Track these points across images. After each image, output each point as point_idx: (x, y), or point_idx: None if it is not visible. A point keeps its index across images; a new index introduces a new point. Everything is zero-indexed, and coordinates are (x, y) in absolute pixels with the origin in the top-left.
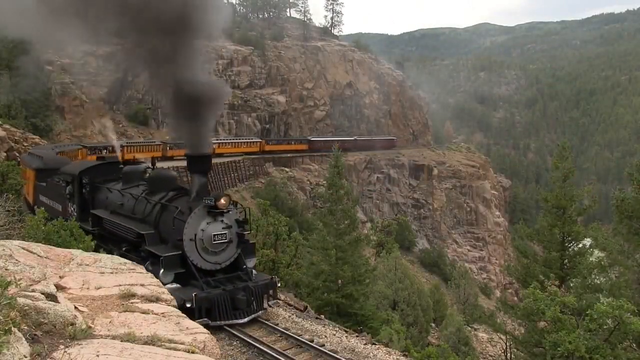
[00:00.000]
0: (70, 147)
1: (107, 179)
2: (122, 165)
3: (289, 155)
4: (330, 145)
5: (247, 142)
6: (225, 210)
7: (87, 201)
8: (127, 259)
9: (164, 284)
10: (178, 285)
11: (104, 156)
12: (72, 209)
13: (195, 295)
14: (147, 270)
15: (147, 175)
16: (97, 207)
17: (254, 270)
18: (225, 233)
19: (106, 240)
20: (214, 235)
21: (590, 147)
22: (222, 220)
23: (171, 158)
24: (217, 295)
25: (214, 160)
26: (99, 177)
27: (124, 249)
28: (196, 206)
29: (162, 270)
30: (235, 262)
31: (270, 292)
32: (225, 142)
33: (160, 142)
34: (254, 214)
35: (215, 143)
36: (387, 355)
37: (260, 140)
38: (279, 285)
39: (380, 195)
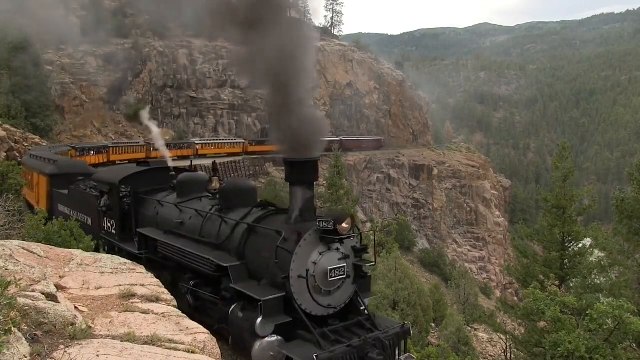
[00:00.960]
0: (59, 148)
1: (155, 189)
2: (172, 172)
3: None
4: None
5: (231, 142)
6: (345, 236)
7: (128, 216)
8: (196, 296)
9: (261, 337)
10: (280, 338)
11: (147, 160)
12: (108, 225)
13: (316, 357)
14: (234, 316)
15: (213, 185)
16: (143, 224)
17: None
18: (343, 266)
19: (160, 267)
20: (330, 269)
21: (590, 147)
22: (337, 249)
23: (154, 159)
24: (344, 356)
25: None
26: (144, 187)
27: (192, 283)
28: (305, 230)
29: (259, 319)
30: (350, 302)
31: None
32: (209, 143)
33: (145, 143)
34: None
35: (198, 143)
36: None
37: (243, 141)
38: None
39: (380, 195)
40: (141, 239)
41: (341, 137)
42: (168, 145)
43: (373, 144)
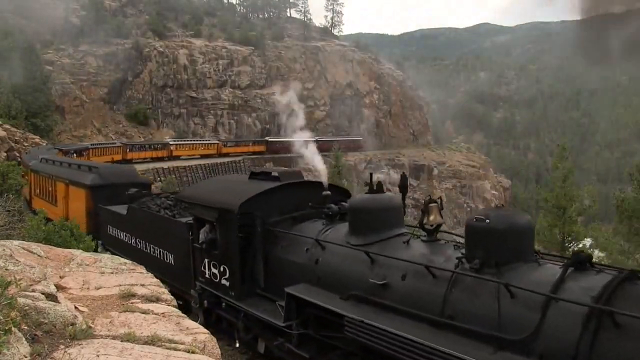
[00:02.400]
0: (40, 151)
1: (297, 218)
2: (327, 191)
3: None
4: (287, 146)
5: (205, 143)
6: None
7: (253, 261)
8: None
9: None
10: None
11: (277, 170)
12: (212, 271)
13: None
14: None
15: (432, 219)
16: (282, 275)
17: None
18: None
19: (330, 349)
20: None
21: (590, 147)
22: None
23: (130, 161)
24: None
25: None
26: (278, 213)
27: None
28: None
29: None
30: None
31: None
32: (183, 144)
33: (121, 144)
34: None
35: (172, 144)
36: None
37: (217, 142)
38: None
39: None
40: (291, 304)
41: (317, 138)
42: (142, 147)
43: (352, 144)
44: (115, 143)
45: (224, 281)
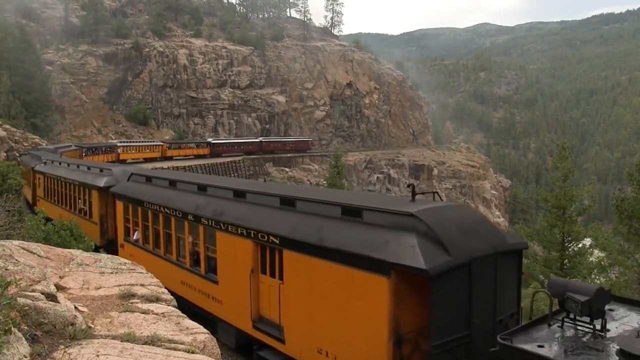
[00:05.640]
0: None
1: None
2: None
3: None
4: (232, 148)
5: (150, 145)
6: None
7: None
8: None
9: None
10: None
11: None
12: None
13: None
14: None
15: None
16: None
17: None
18: None
19: None
20: None
21: (590, 147)
22: None
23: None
24: None
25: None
26: None
27: None
28: None
29: None
30: None
31: None
32: (130, 146)
33: (76, 147)
34: None
35: (120, 146)
36: None
37: (161, 144)
38: None
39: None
40: None
41: (260, 139)
42: (92, 150)
43: (299, 145)
44: (69, 145)
45: None
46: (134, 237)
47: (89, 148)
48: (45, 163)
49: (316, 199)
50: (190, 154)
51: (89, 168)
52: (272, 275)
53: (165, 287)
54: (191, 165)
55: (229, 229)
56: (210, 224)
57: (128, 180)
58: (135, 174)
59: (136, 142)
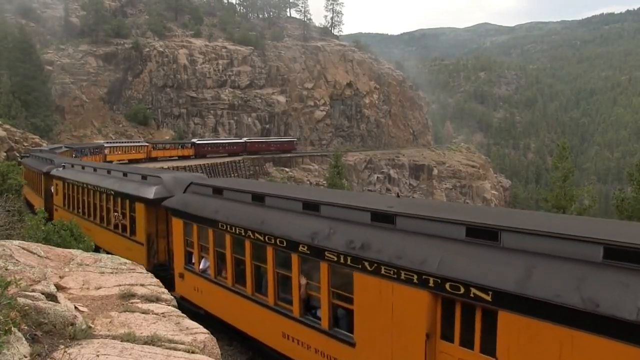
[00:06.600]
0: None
1: None
2: None
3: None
4: (216, 149)
5: (136, 146)
6: None
7: None
8: None
9: None
10: None
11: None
12: None
13: None
14: None
15: None
16: None
17: None
18: None
19: None
20: None
21: (590, 147)
22: None
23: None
24: None
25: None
26: None
27: None
28: None
29: None
30: None
31: None
32: (116, 147)
33: (67, 148)
34: None
35: (107, 147)
36: None
37: (147, 144)
38: None
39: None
40: None
41: (245, 139)
42: (81, 151)
43: (284, 145)
44: (61, 147)
45: None
46: (201, 266)
47: (76, 149)
48: (64, 167)
49: (527, 229)
50: (174, 154)
51: (125, 174)
52: (469, 346)
53: (255, 338)
54: (191, 165)
55: (382, 271)
56: (342, 260)
57: (185, 192)
58: (197, 183)
59: (122, 142)
